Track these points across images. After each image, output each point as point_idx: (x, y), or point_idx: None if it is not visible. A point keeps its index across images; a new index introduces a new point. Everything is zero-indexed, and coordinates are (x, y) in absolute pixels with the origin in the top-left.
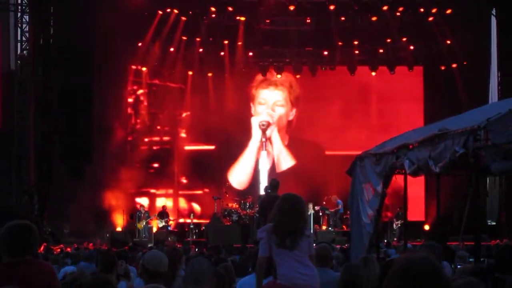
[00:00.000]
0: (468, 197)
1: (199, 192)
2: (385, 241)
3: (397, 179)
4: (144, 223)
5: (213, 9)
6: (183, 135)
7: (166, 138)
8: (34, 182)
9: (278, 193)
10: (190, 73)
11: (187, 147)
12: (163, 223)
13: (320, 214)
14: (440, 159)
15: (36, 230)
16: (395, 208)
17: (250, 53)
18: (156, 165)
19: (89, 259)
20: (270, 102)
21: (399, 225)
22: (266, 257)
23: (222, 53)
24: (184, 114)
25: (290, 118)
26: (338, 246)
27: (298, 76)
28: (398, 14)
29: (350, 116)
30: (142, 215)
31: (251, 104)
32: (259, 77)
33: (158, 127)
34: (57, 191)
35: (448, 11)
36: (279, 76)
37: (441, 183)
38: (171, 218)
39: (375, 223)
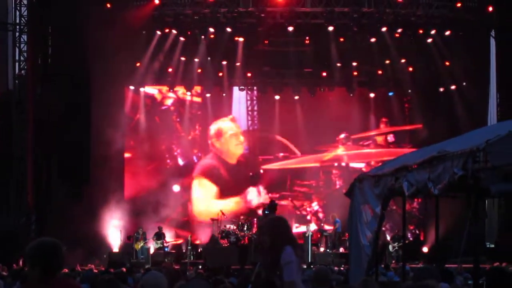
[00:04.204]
0: (467, 219)
1: (197, 213)
2: (383, 263)
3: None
4: (141, 244)
5: (212, 29)
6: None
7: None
8: (32, 203)
9: (276, 215)
10: (189, 93)
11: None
12: (160, 244)
13: (318, 235)
14: (439, 181)
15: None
16: (393, 230)
17: (249, 74)
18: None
19: (87, 280)
20: None
21: (397, 247)
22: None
23: (220, 74)
24: (182, 134)
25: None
26: (336, 268)
27: (296, 97)
28: (397, 35)
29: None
30: (140, 236)
31: None
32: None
33: (156, 147)
34: (55, 211)
35: (447, 33)
36: (277, 97)
37: (440, 205)
38: (168, 239)
39: (374, 245)
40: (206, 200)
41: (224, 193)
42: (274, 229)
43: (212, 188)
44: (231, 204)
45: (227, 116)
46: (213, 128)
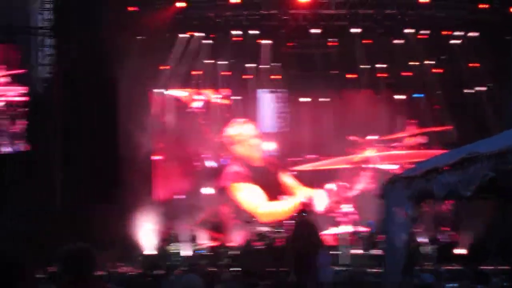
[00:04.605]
0: (499, 221)
1: (230, 215)
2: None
3: (428, 203)
4: (175, 247)
5: (235, 32)
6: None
7: (196, 162)
8: (61, 206)
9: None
10: (214, 96)
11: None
12: (194, 247)
13: (352, 237)
14: (470, 183)
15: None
16: (427, 232)
17: (275, 76)
18: None
19: (122, 283)
20: None
21: (430, 249)
22: None
23: (246, 76)
24: (209, 137)
25: None
26: (370, 270)
27: (324, 99)
28: (422, 37)
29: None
30: (173, 238)
31: None
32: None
33: (184, 150)
34: (85, 215)
35: (473, 34)
36: (305, 99)
37: (473, 207)
38: (202, 242)
39: (408, 247)
40: (240, 203)
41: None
42: (306, 233)
43: (246, 191)
44: (265, 206)
45: (245, 119)
46: (230, 133)
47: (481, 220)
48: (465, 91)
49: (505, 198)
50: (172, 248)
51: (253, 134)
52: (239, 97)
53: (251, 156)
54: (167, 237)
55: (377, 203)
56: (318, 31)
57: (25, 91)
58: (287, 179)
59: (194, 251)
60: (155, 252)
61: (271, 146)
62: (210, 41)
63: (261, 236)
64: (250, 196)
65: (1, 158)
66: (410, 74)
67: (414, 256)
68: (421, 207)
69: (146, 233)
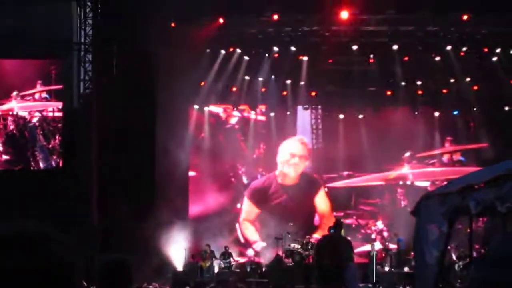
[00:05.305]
0: None
1: (261, 232)
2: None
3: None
4: (208, 263)
5: (276, 48)
6: (245, 175)
7: (232, 179)
8: (97, 221)
9: (341, 233)
10: (253, 112)
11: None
12: (227, 264)
13: (383, 254)
14: (506, 200)
15: None
16: (458, 249)
17: (313, 93)
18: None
19: None
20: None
21: (462, 266)
22: None
23: (285, 93)
24: (246, 153)
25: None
26: None
27: (361, 116)
28: (462, 54)
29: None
30: (207, 254)
31: None
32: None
33: (220, 166)
34: (120, 230)
35: None
36: (341, 116)
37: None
38: (233, 258)
39: (440, 265)
40: (269, 220)
41: (286, 213)
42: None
43: (276, 208)
44: (295, 223)
45: (295, 136)
46: (284, 149)
47: None
48: (503, 108)
49: None
50: (206, 263)
51: (303, 154)
52: (277, 113)
53: (293, 175)
54: (200, 254)
55: (409, 220)
56: (358, 47)
57: (61, 107)
58: (321, 201)
59: (225, 267)
60: (187, 269)
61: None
62: (249, 57)
63: (290, 252)
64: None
65: (37, 173)
66: (448, 91)
67: (449, 273)
68: (454, 224)
69: (180, 249)
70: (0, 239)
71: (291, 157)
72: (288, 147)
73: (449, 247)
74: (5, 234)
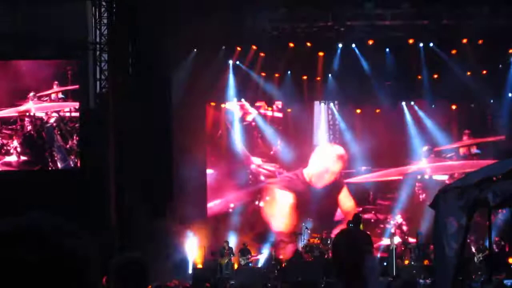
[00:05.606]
0: None
1: (280, 228)
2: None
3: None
4: (227, 260)
5: (291, 45)
6: (264, 171)
7: (249, 175)
8: (115, 221)
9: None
10: (270, 109)
11: (270, 183)
12: (245, 260)
13: (403, 248)
14: None
15: None
16: (478, 242)
17: (329, 88)
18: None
19: None
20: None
21: (481, 258)
22: None
23: (301, 89)
24: (263, 150)
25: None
26: (421, 281)
27: (378, 111)
28: (477, 47)
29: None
30: (226, 251)
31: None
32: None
33: (237, 163)
34: (138, 229)
35: None
36: (358, 110)
37: None
38: (252, 254)
39: (460, 257)
40: (289, 215)
41: (306, 207)
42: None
43: (295, 202)
44: (315, 218)
45: (331, 144)
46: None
47: None
48: None
49: None
50: (224, 260)
51: (336, 170)
52: (293, 109)
53: (321, 185)
54: (220, 251)
55: (427, 213)
56: (373, 42)
57: (77, 107)
58: (345, 199)
59: (245, 264)
60: (206, 266)
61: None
62: (265, 54)
63: (309, 247)
64: (286, 207)
65: (55, 174)
66: (464, 84)
67: (468, 265)
68: (473, 216)
69: (199, 247)
70: (10, 233)
71: (325, 172)
72: (324, 160)
73: (468, 240)
74: (15, 227)
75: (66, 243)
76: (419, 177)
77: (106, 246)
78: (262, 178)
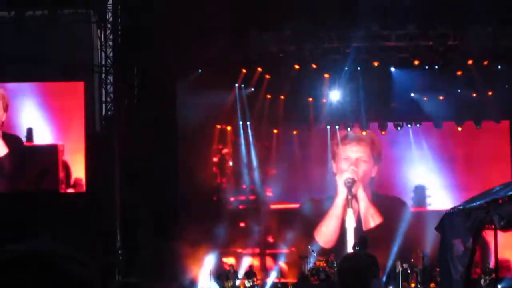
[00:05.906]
0: None
1: (286, 251)
2: None
3: (487, 235)
4: (231, 283)
5: (297, 66)
6: (269, 194)
7: (252, 197)
8: (120, 244)
9: (367, 250)
10: (275, 131)
11: (273, 206)
12: (251, 283)
13: (409, 271)
14: None
15: None
16: (484, 264)
17: (336, 110)
18: (242, 224)
19: None
20: (354, 159)
21: (488, 281)
22: None
23: (307, 110)
24: (269, 173)
25: (373, 175)
26: None
27: (383, 133)
28: (483, 67)
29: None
30: (231, 274)
31: (332, 162)
32: (342, 133)
33: (244, 186)
34: (143, 252)
35: None
36: (364, 133)
37: None
38: (258, 278)
39: (466, 280)
40: (295, 237)
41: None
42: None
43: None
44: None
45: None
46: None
47: None
48: None
49: None
50: (229, 283)
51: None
52: (299, 131)
53: None
54: (226, 273)
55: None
56: (378, 63)
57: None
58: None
59: (249, 287)
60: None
61: None
62: (270, 75)
63: (315, 270)
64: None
65: (63, 196)
66: (470, 105)
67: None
68: (479, 238)
69: (203, 270)
70: (15, 259)
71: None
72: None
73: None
74: (20, 253)
75: (68, 268)
76: None
77: (111, 268)
78: (268, 199)
